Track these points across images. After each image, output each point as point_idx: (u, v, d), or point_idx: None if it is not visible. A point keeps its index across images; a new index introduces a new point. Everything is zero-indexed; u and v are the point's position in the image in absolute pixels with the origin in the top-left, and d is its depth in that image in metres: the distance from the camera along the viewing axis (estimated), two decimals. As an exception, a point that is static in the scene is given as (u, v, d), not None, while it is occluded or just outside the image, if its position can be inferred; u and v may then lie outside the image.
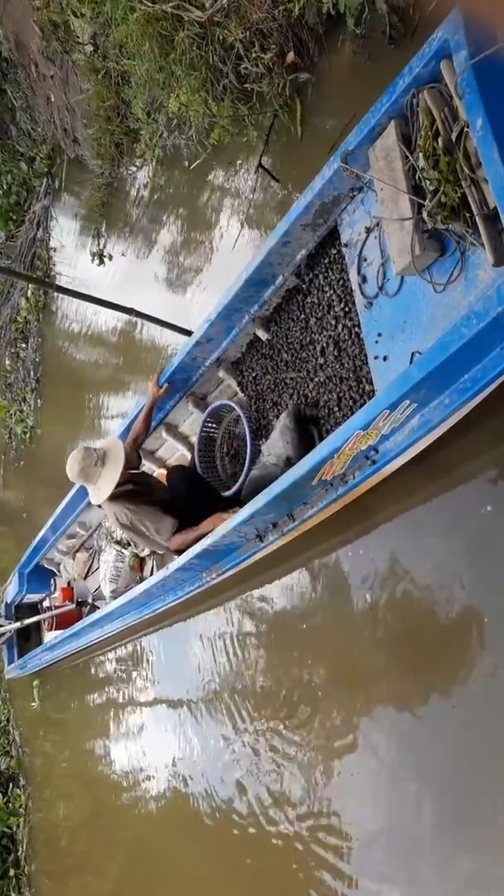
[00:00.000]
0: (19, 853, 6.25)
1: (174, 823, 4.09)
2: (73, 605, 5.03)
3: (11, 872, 6.17)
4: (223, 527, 2.73)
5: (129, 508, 3.12)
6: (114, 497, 3.12)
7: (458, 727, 2.27)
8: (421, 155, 2.03)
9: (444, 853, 2.25)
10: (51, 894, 5.83)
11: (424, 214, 2.04)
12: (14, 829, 6.34)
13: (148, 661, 4.62)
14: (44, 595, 5.71)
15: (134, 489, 3.18)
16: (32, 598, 5.81)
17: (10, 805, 6.42)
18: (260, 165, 3.42)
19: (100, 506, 3.21)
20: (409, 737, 2.45)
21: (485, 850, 2.15)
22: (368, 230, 2.51)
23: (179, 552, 3.10)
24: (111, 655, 5.18)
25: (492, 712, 2.16)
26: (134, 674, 4.81)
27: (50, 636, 5.25)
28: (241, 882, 3.35)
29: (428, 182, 2.01)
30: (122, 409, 5.17)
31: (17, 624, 5.62)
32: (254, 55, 3.26)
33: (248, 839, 3.27)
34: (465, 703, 2.26)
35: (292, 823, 2.97)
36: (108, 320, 5.56)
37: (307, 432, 2.80)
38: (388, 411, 2.02)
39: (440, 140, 1.99)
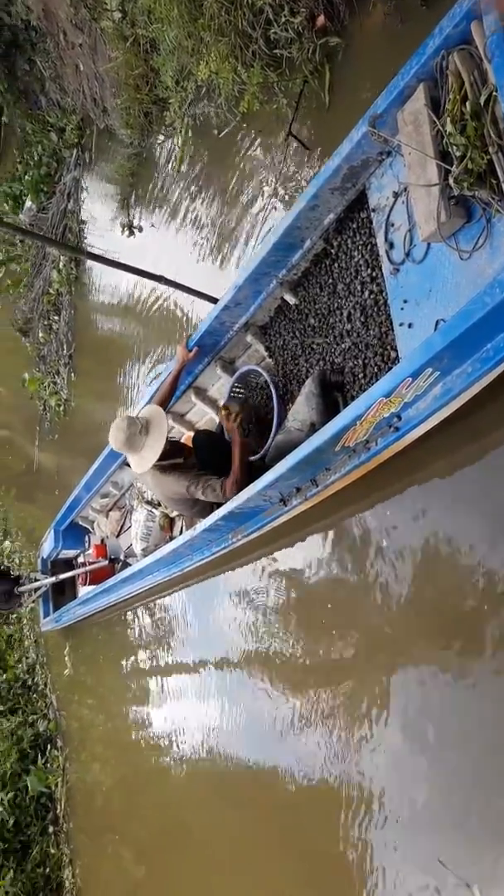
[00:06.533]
0: (58, 811, 6.57)
1: (205, 786, 4.19)
2: (107, 562, 5.16)
3: (51, 829, 6.50)
4: (248, 490, 2.81)
5: (187, 480, 3.11)
6: (163, 470, 3.14)
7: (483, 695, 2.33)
8: (448, 120, 2.02)
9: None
10: (87, 850, 6.12)
11: (451, 180, 2.04)
12: (52, 788, 6.66)
13: (177, 620, 4.77)
14: (78, 551, 5.91)
15: (182, 462, 3.19)
16: (67, 554, 6.01)
17: (49, 765, 6.73)
18: (289, 133, 3.40)
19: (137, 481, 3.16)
20: (435, 702, 2.51)
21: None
22: (396, 195, 2.51)
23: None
24: (141, 616, 5.35)
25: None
26: (164, 635, 4.97)
27: (84, 591, 5.44)
28: (271, 847, 3.41)
29: (455, 148, 2.01)
30: (152, 379, 5.25)
31: (53, 578, 5.82)
32: (283, 19, 3.23)
33: (280, 806, 3.32)
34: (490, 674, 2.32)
35: (325, 788, 2.99)
36: (138, 292, 5.61)
37: (332, 398, 2.84)
38: (411, 379, 2.05)
39: (468, 104, 1.98)
